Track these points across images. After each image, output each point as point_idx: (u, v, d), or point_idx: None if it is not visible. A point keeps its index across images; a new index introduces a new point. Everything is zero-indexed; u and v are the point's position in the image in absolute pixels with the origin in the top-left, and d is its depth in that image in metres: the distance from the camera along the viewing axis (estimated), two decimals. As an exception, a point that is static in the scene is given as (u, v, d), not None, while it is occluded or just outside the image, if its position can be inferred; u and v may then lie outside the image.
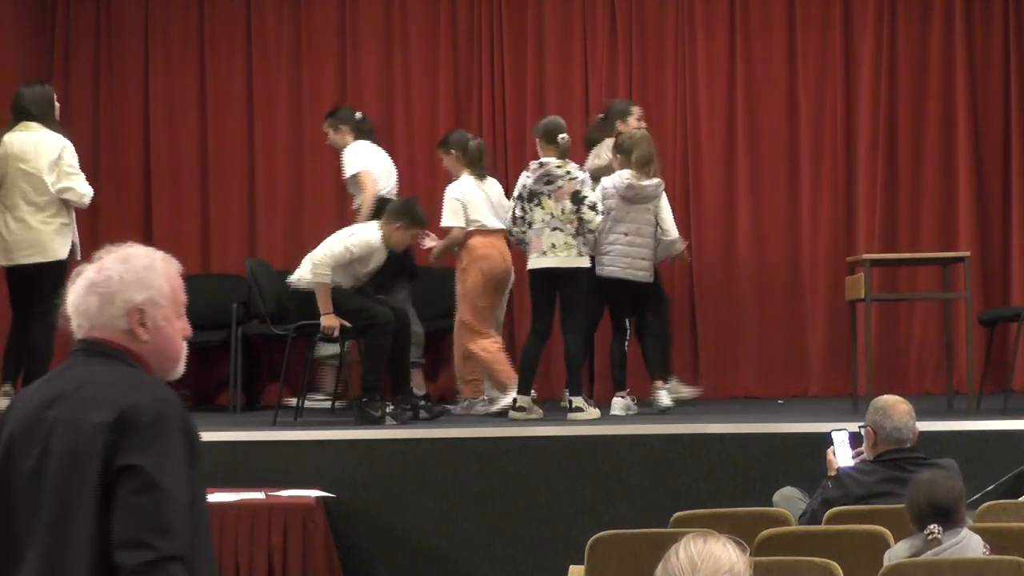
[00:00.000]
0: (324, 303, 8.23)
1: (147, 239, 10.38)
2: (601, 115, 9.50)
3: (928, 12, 10.30)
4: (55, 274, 7.93)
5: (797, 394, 10.14)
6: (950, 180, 10.21)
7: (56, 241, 8.21)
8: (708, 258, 10.30)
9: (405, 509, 7.63)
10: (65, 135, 8.39)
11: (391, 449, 7.76)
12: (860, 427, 5.93)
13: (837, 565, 4.74)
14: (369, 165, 9.25)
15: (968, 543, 4.78)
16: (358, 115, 9.52)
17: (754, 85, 10.39)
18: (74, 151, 8.33)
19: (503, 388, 8.79)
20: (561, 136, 8.60)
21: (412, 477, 7.63)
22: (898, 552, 4.85)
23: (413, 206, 8.60)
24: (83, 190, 8.26)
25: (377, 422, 8.20)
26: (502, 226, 8.87)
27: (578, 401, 8.47)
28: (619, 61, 10.47)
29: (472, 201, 8.94)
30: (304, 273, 8.34)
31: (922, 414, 6.10)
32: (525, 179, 8.59)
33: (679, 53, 10.44)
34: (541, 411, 8.57)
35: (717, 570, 2.70)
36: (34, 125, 8.26)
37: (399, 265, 8.76)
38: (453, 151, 9.19)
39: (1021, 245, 10.09)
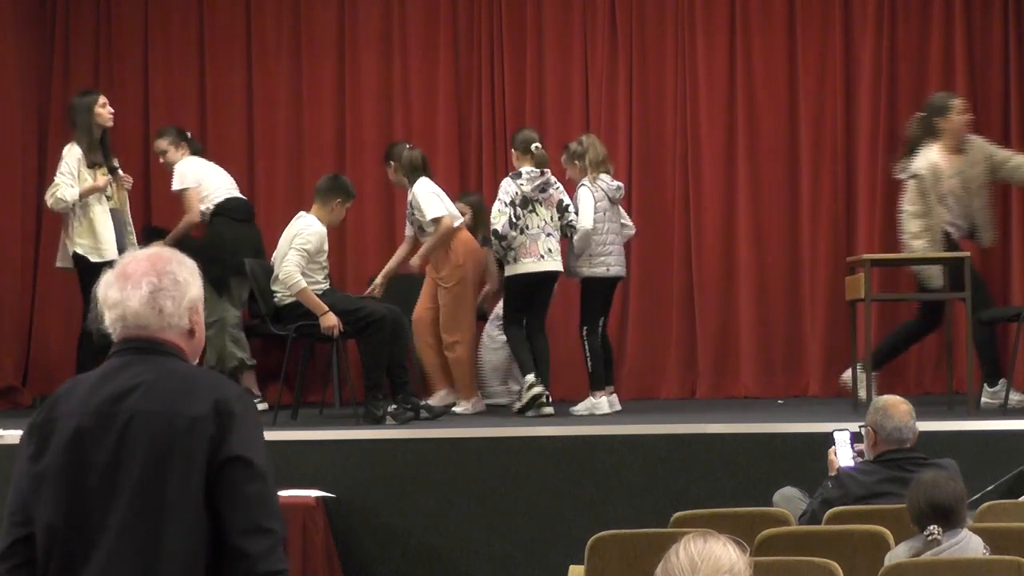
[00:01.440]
0: (315, 305, 8.27)
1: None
2: (921, 112, 9.15)
3: (928, 12, 10.30)
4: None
5: (797, 394, 10.14)
6: (950, 180, 10.20)
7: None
8: (708, 258, 10.30)
9: (405, 509, 7.63)
10: (80, 142, 8.75)
11: (391, 449, 7.75)
12: (860, 427, 5.93)
13: (837, 565, 4.74)
14: (197, 182, 9.33)
15: (968, 543, 4.78)
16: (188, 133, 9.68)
17: (754, 85, 10.39)
18: (71, 156, 8.64)
19: (455, 393, 9.02)
20: (535, 146, 8.88)
21: (412, 477, 7.63)
22: (898, 553, 4.86)
23: (344, 180, 8.82)
24: (58, 195, 8.63)
25: (378, 421, 8.22)
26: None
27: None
28: (619, 61, 10.47)
29: (443, 195, 9.00)
30: (282, 289, 8.39)
31: (922, 414, 6.10)
32: (518, 186, 8.77)
33: (679, 53, 10.45)
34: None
35: (717, 570, 2.70)
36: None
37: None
38: (393, 163, 9.25)
39: (1021, 245, 10.09)
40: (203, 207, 9.28)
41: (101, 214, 8.69)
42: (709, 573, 2.69)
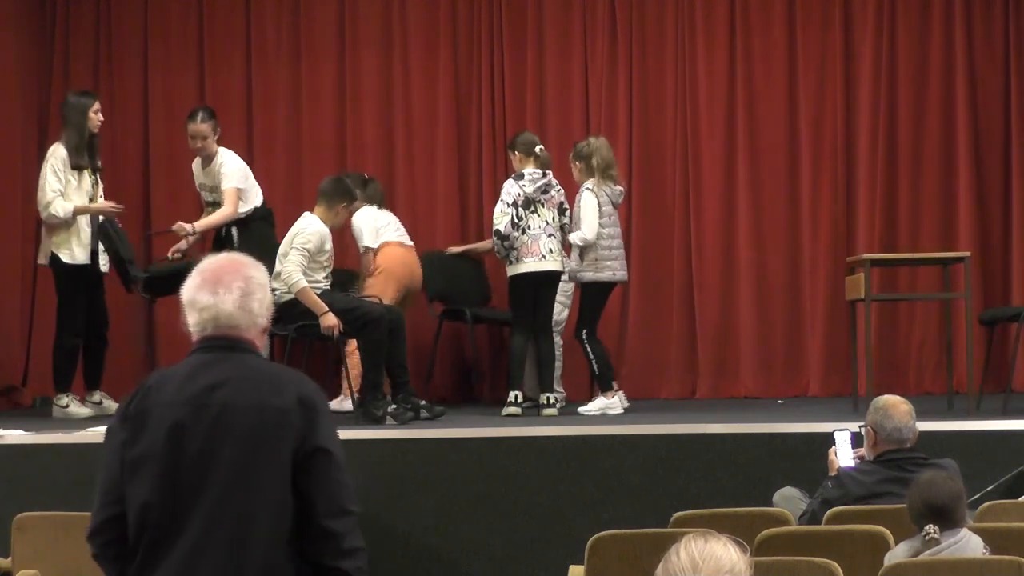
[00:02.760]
0: (315, 305, 8.27)
1: (147, 239, 10.39)
2: None
3: (928, 12, 10.30)
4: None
5: (797, 394, 10.15)
6: (950, 180, 10.21)
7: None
8: (708, 258, 10.30)
9: (405, 509, 7.62)
10: (69, 140, 8.84)
11: (391, 449, 7.75)
12: (860, 427, 5.93)
13: (837, 565, 4.74)
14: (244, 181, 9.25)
15: (967, 543, 4.78)
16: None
17: (754, 85, 10.39)
18: (56, 159, 8.80)
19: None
20: (539, 148, 9.00)
21: (412, 477, 7.63)
22: (898, 553, 4.86)
23: (347, 182, 8.89)
24: (52, 211, 8.83)
25: (378, 421, 8.21)
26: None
27: (554, 398, 8.87)
28: (619, 61, 10.47)
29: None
30: (281, 286, 8.38)
31: (922, 414, 6.10)
32: (520, 187, 8.83)
33: (679, 53, 10.45)
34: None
35: (718, 570, 2.70)
36: None
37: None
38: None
39: (1021, 245, 10.09)
40: (244, 208, 9.18)
41: (81, 219, 8.86)
42: (710, 573, 2.69)
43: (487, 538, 7.55)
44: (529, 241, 8.76)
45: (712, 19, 10.42)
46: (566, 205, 8.89)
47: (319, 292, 8.38)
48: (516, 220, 8.77)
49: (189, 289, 3.57)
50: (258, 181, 10.63)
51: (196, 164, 9.24)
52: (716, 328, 10.25)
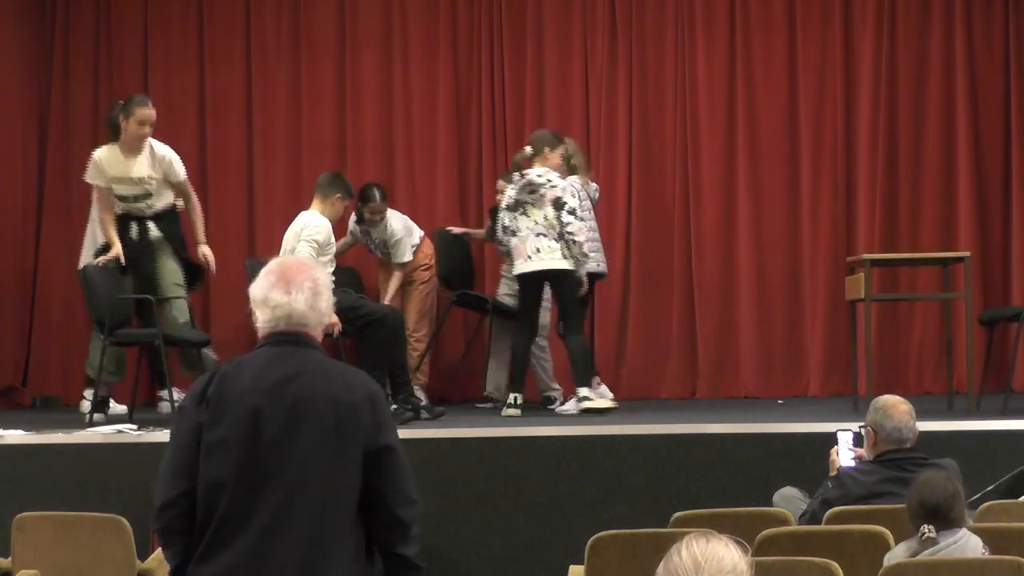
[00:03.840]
0: None
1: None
2: None
3: (928, 12, 10.31)
4: None
5: (797, 394, 10.15)
6: (950, 180, 10.21)
7: None
8: (708, 258, 10.30)
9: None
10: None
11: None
12: (860, 427, 5.92)
13: (837, 565, 4.74)
14: None
15: (967, 543, 4.78)
16: None
17: (754, 85, 10.39)
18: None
19: None
20: (526, 147, 9.01)
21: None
22: (897, 553, 4.86)
23: (344, 178, 8.88)
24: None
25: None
26: None
27: (585, 391, 8.75)
28: (619, 61, 10.47)
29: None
30: None
31: (922, 414, 6.10)
32: (510, 191, 8.88)
33: (679, 53, 10.45)
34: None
35: (720, 570, 2.70)
36: None
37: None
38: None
39: (1021, 245, 10.09)
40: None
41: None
42: (712, 573, 2.69)
43: (487, 538, 7.55)
44: (519, 243, 8.80)
45: (712, 19, 10.42)
46: (564, 200, 8.76)
47: None
48: (507, 223, 8.85)
49: (262, 288, 3.84)
50: (258, 181, 10.69)
51: (113, 156, 8.66)
52: (716, 328, 10.25)
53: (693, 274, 10.30)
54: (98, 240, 8.97)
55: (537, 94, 10.52)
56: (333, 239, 8.53)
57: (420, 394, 9.20)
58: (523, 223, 8.78)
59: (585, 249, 8.76)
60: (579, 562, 5.46)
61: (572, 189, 8.87)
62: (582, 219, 8.83)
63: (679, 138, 10.40)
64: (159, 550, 6.27)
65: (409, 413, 8.40)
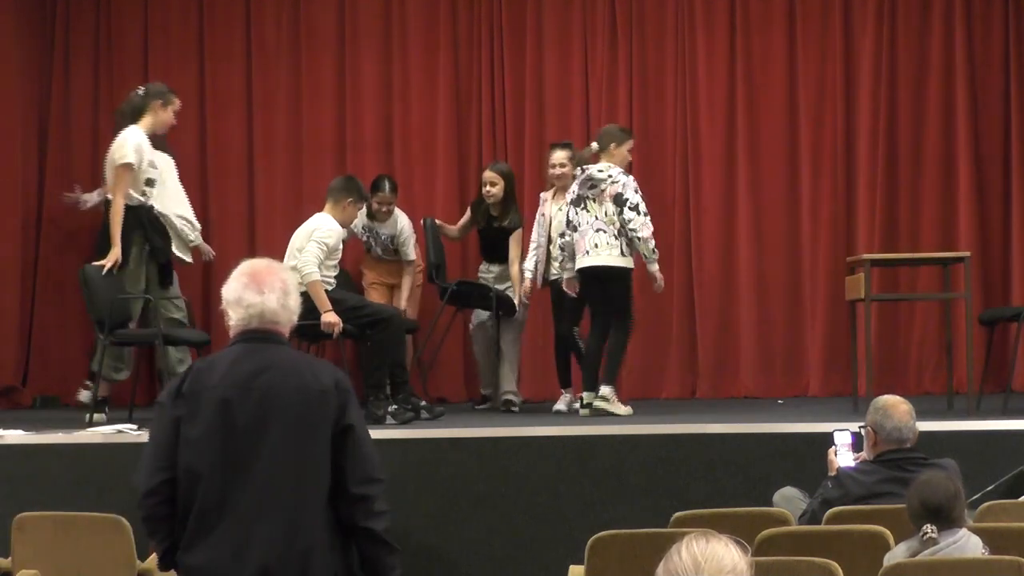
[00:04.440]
0: (322, 301, 8.24)
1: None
2: None
3: (928, 12, 10.31)
4: None
5: (797, 394, 10.15)
6: (950, 180, 10.21)
7: None
8: (708, 258, 10.30)
9: (405, 509, 7.62)
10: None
11: (391, 449, 7.73)
12: (860, 427, 5.92)
13: (837, 565, 4.74)
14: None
15: (967, 543, 4.78)
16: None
17: (754, 85, 10.40)
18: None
19: None
20: (592, 143, 8.94)
21: (412, 477, 7.62)
22: (897, 553, 4.85)
23: (358, 182, 8.82)
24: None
25: (378, 421, 8.21)
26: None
27: (609, 391, 8.71)
28: (619, 61, 10.48)
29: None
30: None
31: (922, 414, 6.10)
32: (574, 185, 8.84)
33: (679, 53, 10.45)
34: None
35: (720, 570, 2.69)
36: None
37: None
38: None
39: (1021, 245, 10.10)
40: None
41: None
42: (712, 573, 2.69)
43: (487, 538, 7.55)
44: (579, 238, 8.77)
45: (712, 19, 10.42)
46: (626, 196, 8.65)
47: (329, 290, 8.36)
48: (571, 218, 8.80)
49: (235, 289, 4.11)
50: (258, 180, 10.69)
51: (147, 143, 8.62)
52: (716, 328, 10.25)
53: (693, 274, 10.30)
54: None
55: (537, 92, 10.51)
56: (341, 246, 8.52)
57: None
58: (583, 218, 8.74)
59: (652, 245, 8.70)
60: (579, 562, 5.45)
61: (635, 185, 8.79)
62: (647, 214, 8.73)
63: (679, 138, 10.40)
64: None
65: (409, 413, 8.40)
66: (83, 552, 5.94)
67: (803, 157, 10.34)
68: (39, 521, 6.07)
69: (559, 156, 9.29)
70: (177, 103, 8.81)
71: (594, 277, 8.75)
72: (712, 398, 10.08)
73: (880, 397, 5.90)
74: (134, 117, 8.66)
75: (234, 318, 4.12)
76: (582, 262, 8.74)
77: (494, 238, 9.52)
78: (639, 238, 8.63)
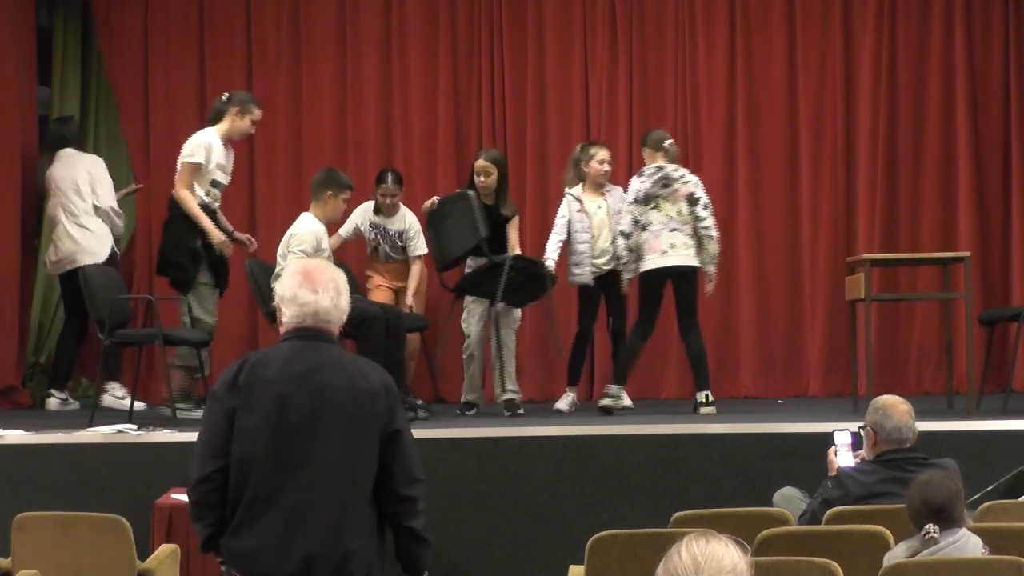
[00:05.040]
0: None
1: (147, 238, 10.38)
2: None
3: (928, 12, 10.31)
4: None
5: (797, 394, 10.15)
6: (950, 180, 10.22)
7: None
8: (708, 258, 10.30)
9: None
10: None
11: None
12: (860, 427, 5.92)
13: (837, 565, 4.74)
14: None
15: (967, 543, 4.78)
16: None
17: (754, 85, 10.40)
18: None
19: None
20: (668, 142, 8.92)
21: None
22: (897, 553, 4.85)
23: (335, 172, 8.70)
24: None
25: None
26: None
27: (707, 395, 8.73)
28: (619, 61, 10.48)
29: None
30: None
31: (922, 414, 6.10)
32: (640, 184, 8.79)
33: (679, 53, 10.45)
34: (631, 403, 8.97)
35: (720, 570, 2.69)
36: None
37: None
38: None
39: (1021, 245, 10.10)
40: None
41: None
42: (712, 573, 2.68)
43: (487, 538, 7.55)
44: (651, 238, 8.72)
45: (712, 19, 10.43)
46: (698, 195, 8.72)
47: None
48: (637, 217, 8.75)
49: (290, 287, 4.26)
50: (259, 180, 10.69)
51: (218, 146, 8.81)
52: (716, 328, 10.24)
53: (693, 274, 10.29)
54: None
55: (537, 93, 10.52)
56: (325, 243, 8.41)
57: None
58: (655, 217, 8.69)
59: (719, 246, 8.75)
60: (579, 562, 5.45)
61: (703, 185, 8.82)
62: (714, 214, 8.75)
63: (679, 138, 10.36)
64: (159, 550, 6.28)
65: (409, 413, 8.40)
66: (83, 552, 5.94)
67: (803, 157, 10.34)
68: (39, 521, 6.07)
69: (606, 154, 9.19)
70: (256, 113, 8.87)
71: (667, 276, 8.73)
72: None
73: (880, 397, 5.91)
74: (213, 120, 8.83)
75: (288, 315, 4.26)
76: (659, 262, 8.69)
77: (491, 228, 9.13)
78: (710, 236, 8.67)
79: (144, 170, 10.62)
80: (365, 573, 4.16)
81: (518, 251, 9.11)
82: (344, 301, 4.30)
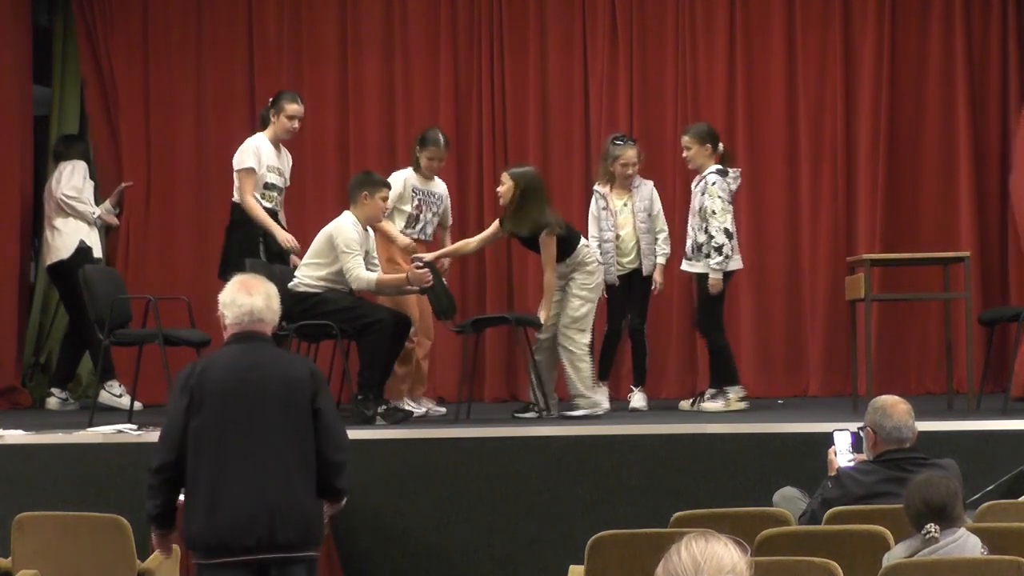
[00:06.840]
0: (397, 283, 8.36)
1: (146, 239, 10.39)
2: None
3: (928, 12, 10.31)
4: None
5: (797, 394, 10.15)
6: (950, 180, 10.21)
7: None
8: (708, 258, 10.29)
9: (405, 509, 7.63)
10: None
11: (391, 449, 7.75)
12: (860, 427, 5.92)
13: (837, 565, 4.74)
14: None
15: (966, 543, 4.78)
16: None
17: (754, 85, 10.40)
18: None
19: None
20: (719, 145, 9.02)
21: (412, 477, 7.63)
22: (896, 553, 4.85)
23: (370, 174, 8.65)
24: None
25: (368, 421, 8.14)
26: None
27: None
28: (619, 61, 10.48)
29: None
30: (302, 278, 8.32)
31: (922, 414, 6.10)
32: (727, 183, 8.87)
33: (679, 53, 10.45)
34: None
35: (720, 570, 2.69)
36: None
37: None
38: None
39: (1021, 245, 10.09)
40: None
41: None
42: (712, 573, 2.68)
43: (487, 538, 7.55)
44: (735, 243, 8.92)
45: (712, 19, 10.42)
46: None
47: (324, 289, 8.30)
48: (727, 228, 8.85)
49: (230, 293, 4.99)
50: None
51: (267, 145, 8.79)
52: (716, 328, 10.24)
53: (693, 274, 10.29)
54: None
55: (538, 94, 10.52)
56: (359, 236, 8.28)
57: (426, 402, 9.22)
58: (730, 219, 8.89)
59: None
60: (579, 562, 5.46)
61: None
62: (724, 212, 8.82)
63: (679, 138, 10.38)
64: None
65: (400, 413, 8.32)
66: (83, 552, 5.94)
67: (803, 157, 10.34)
68: (39, 521, 6.07)
69: (631, 156, 9.07)
70: (289, 108, 8.79)
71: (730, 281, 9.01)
72: (712, 398, 10.07)
73: (879, 397, 5.91)
74: (263, 125, 8.91)
75: (229, 317, 4.99)
76: (739, 264, 8.96)
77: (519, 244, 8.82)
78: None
79: (145, 170, 10.60)
80: (320, 527, 4.99)
81: (548, 272, 8.48)
82: (275, 303, 5.06)
